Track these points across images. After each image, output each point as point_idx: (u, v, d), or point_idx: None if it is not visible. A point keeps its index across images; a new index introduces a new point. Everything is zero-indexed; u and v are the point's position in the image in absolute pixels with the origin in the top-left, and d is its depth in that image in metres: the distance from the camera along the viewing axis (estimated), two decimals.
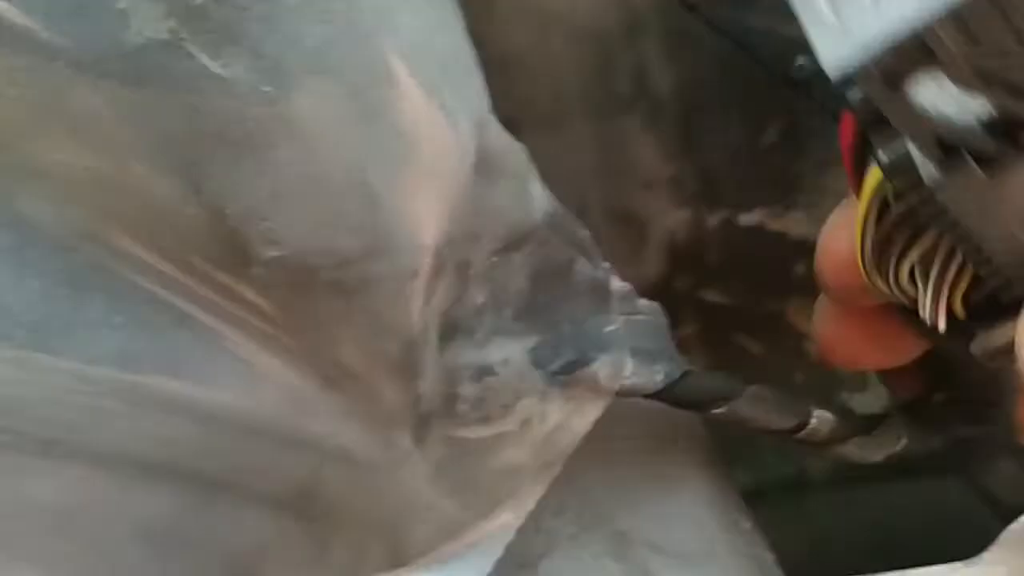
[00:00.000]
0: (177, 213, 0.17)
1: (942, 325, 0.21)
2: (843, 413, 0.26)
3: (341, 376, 0.20)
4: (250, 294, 0.18)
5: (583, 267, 0.24)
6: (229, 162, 0.17)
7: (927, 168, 0.18)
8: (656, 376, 0.23)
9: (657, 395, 0.24)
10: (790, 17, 0.26)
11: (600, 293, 0.24)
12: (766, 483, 0.40)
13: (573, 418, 0.22)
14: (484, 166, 0.20)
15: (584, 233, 0.24)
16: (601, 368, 0.22)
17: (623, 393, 0.23)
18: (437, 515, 0.21)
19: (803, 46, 0.26)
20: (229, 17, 0.16)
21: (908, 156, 0.19)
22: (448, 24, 0.20)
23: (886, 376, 0.29)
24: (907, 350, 0.25)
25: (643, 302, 0.27)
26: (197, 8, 0.16)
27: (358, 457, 0.20)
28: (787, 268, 0.37)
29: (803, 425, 0.26)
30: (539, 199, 0.22)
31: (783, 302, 0.38)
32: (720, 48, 0.33)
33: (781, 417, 0.25)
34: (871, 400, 0.39)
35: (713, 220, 0.37)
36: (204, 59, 0.16)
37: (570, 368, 0.22)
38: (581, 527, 0.24)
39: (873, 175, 0.20)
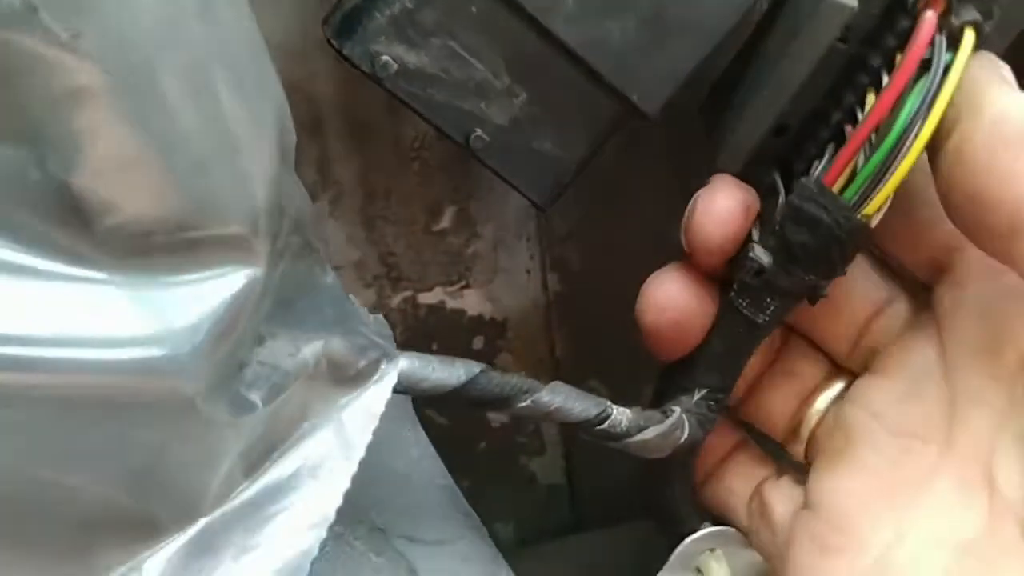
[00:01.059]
0: (21, 180, 0.18)
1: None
2: (637, 410, 0.29)
3: None
4: (88, 252, 0.19)
5: (321, 274, 0.26)
6: (75, 132, 0.18)
7: None
8: (458, 372, 0.24)
9: (460, 391, 0.25)
10: (468, 93, 0.30)
11: (344, 302, 0.26)
12: None
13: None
14: (282, 149, 0.22)
15: (320, 244, 0.26)
16: (407, 364, 0.23)
17: (425, 390, 0.24)
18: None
19: (479, 119, 0.30)
20: None
21: None
22: (250, 18, 0.22)
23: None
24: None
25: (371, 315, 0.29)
26: None
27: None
28: (467, 342, 0.40)
29: (605, 415, 0.28)
30: (304, 195, 0.24)
31: None
32: (397, 139, 0.36)
33: (584, 406, 0.27)
34: (549, 463, 0.43)
35: (396, 299, 0.39)
36: (56, 29, 0.17)
37: (378, 366, 0.23)
38: (344, 526, 0.24)
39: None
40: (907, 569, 0.27)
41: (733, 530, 0.33)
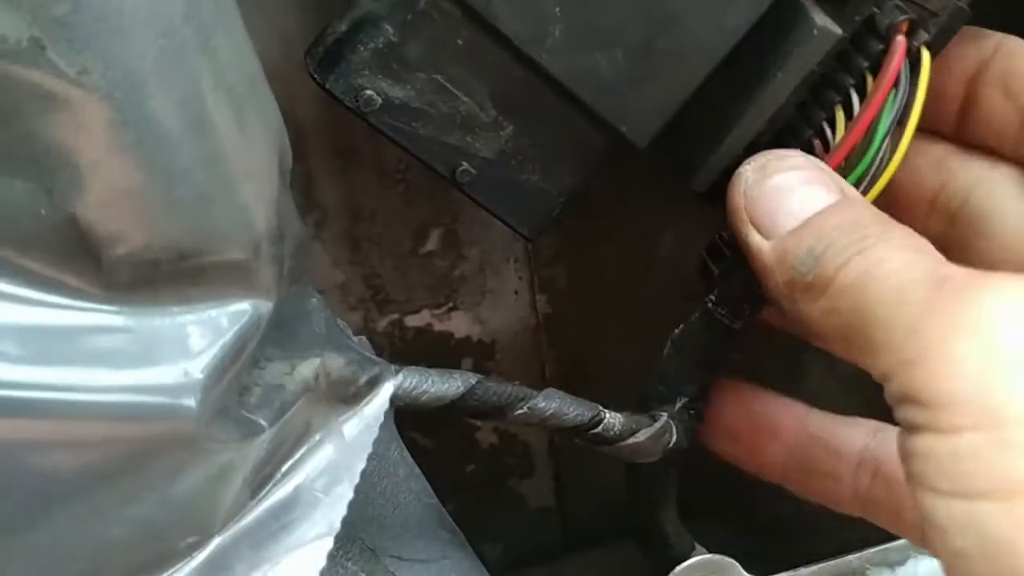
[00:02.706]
0: (30, 214, 0.18)
1: None
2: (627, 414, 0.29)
3: None
4: (96, 284, 0.19)
5: (308, 296, 0.26)
6: (81, 166, 0.18)
7: None
8: (456, 384, 0.24)
9: (458, 402, 0.25)
10: (453, 127, 0.29)
11: (331, 323, 0.26)
12: None
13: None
14: (282, 172, 0.22)
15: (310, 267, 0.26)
16: (406, 379, 0.23)
17: (424, 404, 0.24)
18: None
19: (466, 153, 0.30)
20: (87, 28, 0.17)
21: None
22: (248, 46, 0.22)
23: None
24: None
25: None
26: (59, 18, 0.17)
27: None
28: (455, 365, 0.39)
29: (599, 419, 0.28)
30: (298, 219, 0.25)
31: None
32: (381, 160, 0.35)
33: (578, 411, 0.28)
34: (538, 484, 0.42)
35: (383, 323, 0.38)
36: (63, 66, 0.17)
37: (376, 382, 0.23)
38: (336, 548, 0.25)
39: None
40: None
41: (728, 559, 0.33)
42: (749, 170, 0.28)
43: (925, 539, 0.22)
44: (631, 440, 0.29)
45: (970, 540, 0.20)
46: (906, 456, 0.22)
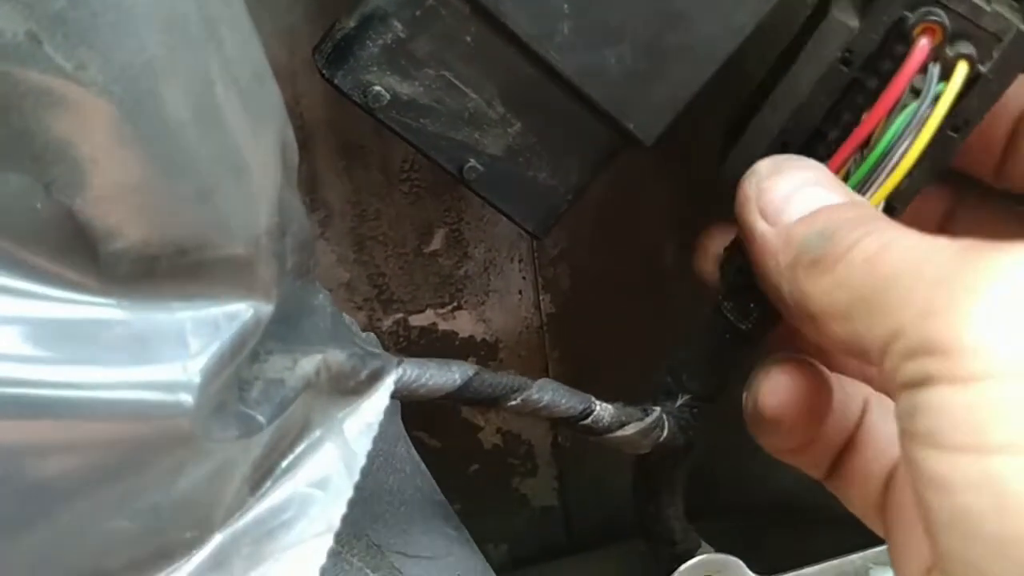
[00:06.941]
0: (26, 208, 0.18)
1: None
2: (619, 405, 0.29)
3: None
4: (94, 279, 0.19)
5: (314, 291, 0.26)
6: (80, 161, 0.18)
7: None
8: (453, 375, 0.25)
9: (456, 393, 0.25)
10: (461, 123, 0.29)
11: (337, 317, 0.26)
12: None
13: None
14: (285, 167, 0.22)
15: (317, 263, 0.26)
16: (406, 372, 0.23)
17: (423, 395, 0.24)
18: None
19: (473, 150, 0.30)
20: (84, 22, 0.17)
21: None
22: (254, 39, 0.22)
23: None
24: None
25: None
26: (56, 13, 0.17)
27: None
28: None
29: (589, 411, 0.28)
30: (304, 214, 0.24)
31: None
32: (387, 159, 0.35)
33: (569, 402, 0.28)
34: (541, 484, 0.42)
35: (387, 322, 0.38)
36: (60, 60, 0.17)
37: (378, 376, 0.23)
38: (341, 544, 0.25)
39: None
40: None
41: (733, 558, 0.33)
42: (763, 164, 0.29)
43: (921, 501, 0.21)
44: (619, 433, 0.29)
45: (983, 497, 0.19)
46: (911, 414, 0.21)
